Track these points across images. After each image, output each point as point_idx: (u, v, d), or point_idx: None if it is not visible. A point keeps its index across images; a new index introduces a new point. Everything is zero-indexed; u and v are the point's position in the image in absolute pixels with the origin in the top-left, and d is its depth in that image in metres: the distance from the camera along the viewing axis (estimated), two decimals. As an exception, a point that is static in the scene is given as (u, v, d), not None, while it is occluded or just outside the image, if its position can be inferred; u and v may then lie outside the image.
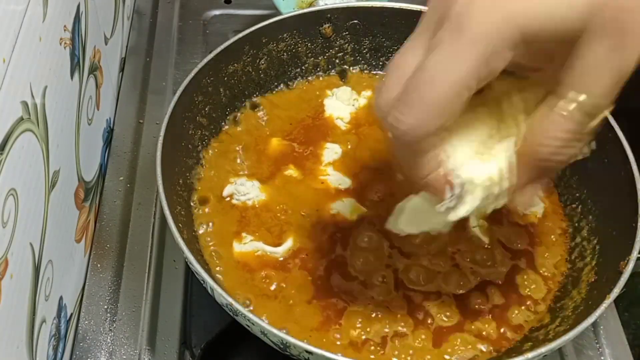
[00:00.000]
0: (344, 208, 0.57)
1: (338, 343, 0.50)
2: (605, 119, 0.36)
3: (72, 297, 0.58)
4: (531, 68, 0.36)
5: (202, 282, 0.47)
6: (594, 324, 0.60)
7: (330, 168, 0.60)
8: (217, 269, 0.53)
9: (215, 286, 0.45)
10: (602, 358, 0.58)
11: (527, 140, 0.37)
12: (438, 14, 0.35)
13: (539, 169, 0.37)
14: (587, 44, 0.33)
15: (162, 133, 0.53)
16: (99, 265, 0.62)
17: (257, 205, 0.57)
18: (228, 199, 0.58)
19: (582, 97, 0.34)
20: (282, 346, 0.45)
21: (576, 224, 0.57)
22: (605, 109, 0.35)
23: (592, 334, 0.59)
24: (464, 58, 0.33)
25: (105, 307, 0.59)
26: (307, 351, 0.43)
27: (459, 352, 0.50)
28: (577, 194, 0.58)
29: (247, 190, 0.58)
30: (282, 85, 0.67)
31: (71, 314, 0.58)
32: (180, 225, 0.50)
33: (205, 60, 0.59)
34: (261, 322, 0.44)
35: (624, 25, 0.33)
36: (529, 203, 0.39)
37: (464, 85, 0.34)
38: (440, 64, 0.34)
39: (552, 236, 0.57)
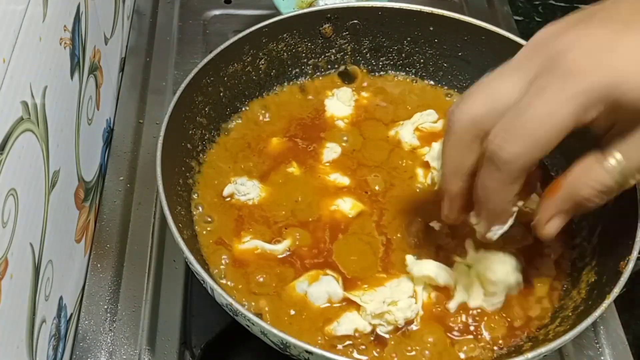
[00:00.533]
0: (344, 205, 0.57)
1: (338, 347, 0.50)
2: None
3: (72, 297, 0.58)
4: (601, 127, 0.42)
5: (202, 282, 0.47)
6: (594, 324, 0.60)
7: (330, 167, 0.61)
8: (217, 268, 0.53)
9: (215, 286, 0.45)
10: (602, 358, 0.58)
11: (568, 181, 0.43)
12: (544, 56, 0.40)
13: (567, 205, 0.44)
14: None
15: (162, 133, 0.53)
16: (99, 265, 0.62)
17: (257, 204, 0.57)
18: (229, 198, 0.58)
19: (624, 161, 0.41)
20: (282, 346, 0.45)
21: (576, 224, 0.57)
22: (634, 178, 0.42)
23: (592, 334, 0.59)
24: (569, 105, 0.39)
25: (105, 307, 0.59)
26: (307, 351, 0.43)
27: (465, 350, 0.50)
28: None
29: (247, 190, 0.58)
30: (282, 85, 0.67)
31: (71, 314, 0.58)
32: (180, 225, 0.50)
33: (206, 60, 0.59)
34: (261, 322, 0.44)
35: None
36: (551, 234, 0.46)
37: (565, 127, 0.39)
38: (548, 106, 0.39)
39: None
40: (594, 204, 0.43)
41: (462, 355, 0.49)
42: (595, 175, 0.42)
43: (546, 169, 0.61)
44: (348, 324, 0.50)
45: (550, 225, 0.45)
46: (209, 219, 0.56)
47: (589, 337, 0.59)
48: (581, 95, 0.38)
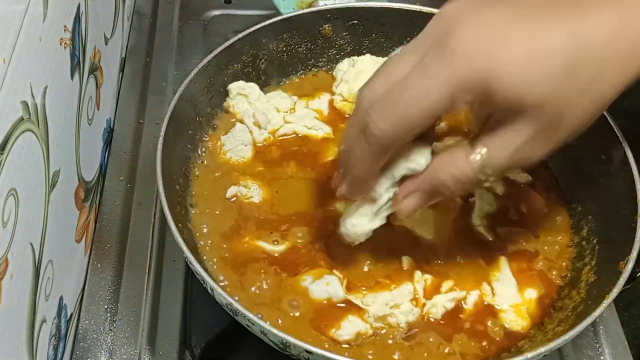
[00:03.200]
0: (343, 206, 0.57)
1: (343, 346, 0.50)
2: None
3: (72, 297, 0.58)
4: (477, 117, 0.43)
5: (202, 282, 0.47)
6: (594, 324, 0.60)
7: (332, 167, 0.61)
8: (217, 268, 0.53)
9: (215, 286, 0.45)
10: (601, 358, 0.58)
11: (433, 165, 0.44)
12: (435, 37, 0.40)
13: (426, 186, 0.45)
14: (523, 121, 0.40)
15: (162, 133, 0.53)
16: (99, 265, 0.62)
17: (257, 204, 0.57)
18: (234, 198, 0.58)
19: (486, 156, 0.42)
20: (282, 346, 0.45)
21: (576, 224, 0.57)
22: (495, 176, 0.43)
23: (591, 334, 0.59)
24: (441, 89, 0.39)
25: (105, 307, 0.59)
26: (307, 351, 0.43)
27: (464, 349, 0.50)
28: (577, 194, 0.58)
29: (248, 190, 0.58)
30: (282, 84, 0.67)
31: (71, 314, 0.58)
32: (180, 225, 0.50)
33: (206, 60, 0.59)
34: (261, 322, 0.44)
35: (558, 126, 0.40)
36: (408, 209, 0.46)
37: (435, 110, 0.40)
38: (420, 88, 0.40)
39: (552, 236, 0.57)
40: (451, 192, 0.44)
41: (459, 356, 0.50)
42: (457, 163, 0.43)
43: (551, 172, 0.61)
44: (350, 328, 0.50)
45: (407, 202, 0.46)
46: (209, 219, 0.56)
47: (588, 337, 0.59)
48: (455, 80, 0.38)
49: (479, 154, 0.42)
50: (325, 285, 0.52)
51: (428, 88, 0.39)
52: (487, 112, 0.41)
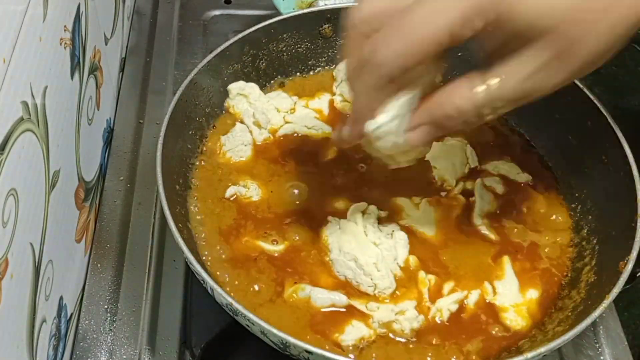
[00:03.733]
0: (342, 205, 0.57)
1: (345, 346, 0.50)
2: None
3: (72, 297, 0.58)
4: (486, 50, 0.41)
5: (202, 282, 0.47)
6: (594, 324, 0.60)
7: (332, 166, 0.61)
8: (217, 268, 0.53)
9: (215, 286, 0.45)
10: (601, 358, 0.58)
11: (437, 94, 0.42)
12: None
13: (431, 119, 0.43)
14: (535, 47, 0.38)
15: (162, 133, 0.53)
16: (99, 265, 0.62)
17: (256, 204, 0.57)
18: (233, 198, 0.58)
19: (495, 83, 0.39)
20: (282, 346, 0.45)
21: (576, 224, 0.57)
22: (502, 108, 0.41)
23: (591, 334, 0.59)
24: (449, 15, 0.38)
25: (106, 307, 0.59)
26: (307, 351, 0.43)
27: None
28: (577, 194, 0.58)
29: (247, 190, 0.58)
30: (282, 84, 0.67)
31: (71, 314, 0.58)
32: (180, 225, 0.50)
33: (206, 60, 0.59)
34: (261, 322, 0.44)
35: (576, 50, 0.38)
36: (416, 141, 0.44)
37: (443, 36, 0.38)
38: (430, 13, 0.38)
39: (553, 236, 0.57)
40: (454, 125, 0.42)
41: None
42: (460, 94, 0.41)
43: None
44: (354, 333, 0.50)
45: (416, 133, 0.44)
46: (209, 219, 0.56)
47: (588, 337, 0.59)
48: (463, 6, 0.37)
49: (488, 84, 0.40)
50: (328, 292, 0.51)
51: (440, 9, 0.38)
52: (496, 42, 0.40)
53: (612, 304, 0.61)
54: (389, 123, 0.44)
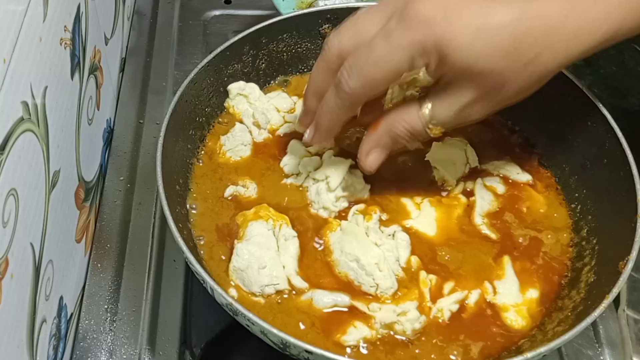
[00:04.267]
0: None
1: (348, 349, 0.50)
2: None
3: (72, 297, 0.58)
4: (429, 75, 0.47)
5: (202, 282, 0.47)
6: (594, 324, 0.60)
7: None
8: (217, 268, 0.53)
9: (215, 286, 0.45)
10: (601, 358, 0.58)
11: (387, 118, 0.50)
12: (400, 3, 0.45)
13: (384, 140, 0.51)
14: (465, 87, 0.46)
15: (162, 134, 0.53)
16: (99, 265, 0.62)
17: (254, 204, 0.57)
18: (230, 197, 0.58)
19: (430, 116, 0.48)
20: (282, 346, 0.45)
21: (576, 224, 0.57)
22: (439, 131, 0.49)
23: (591, 334, 0.59)
24: (402, 52, 0.45)
25: (106, 307, 0.59)
26: (306, 351, 0.43)
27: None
28: (577, 194, 0.58)
29: (246, 190, 0.58)
30: (282, 84, 0.67)
31: (71, 314, 0.58)
32: (180, 225, 0.50)
33: (206, 60, 0.59)
34: (261, 322, 0.44)
35: (497, 93, 0.46)
36: (371, 165, 0.52)
37: (396, 71, 0.46)
38: (384, 50, 0.45)
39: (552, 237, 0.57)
40: (406, 142, 0.50)
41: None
42: (410, 117, 0.49)
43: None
44: (356, 334, 0.49)
45: (371, 158, 0.52)
46: (209, 218, 0.56)
47: (588, 337, 0.59)
48: (414, 44, 0.44)
49: (427, 109, 0.48)
50: (330, 293, 0.51)
51: (391, 51, 0.45)
52: (438, 75, 0.46)
53: (612, 304, 0.61)
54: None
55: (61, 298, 0.55)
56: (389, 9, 0.46)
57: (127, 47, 0.82)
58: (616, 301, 0.61)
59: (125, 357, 0.56)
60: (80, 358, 0.56)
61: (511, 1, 0.44)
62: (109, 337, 0.57)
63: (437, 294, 0.52)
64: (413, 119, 0.49)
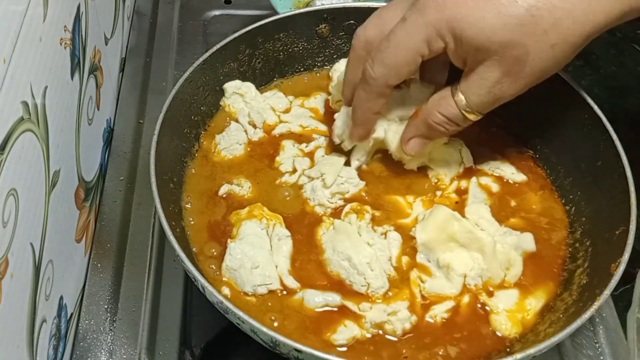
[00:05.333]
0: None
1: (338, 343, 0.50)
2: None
3: (72, 297, 0.58)
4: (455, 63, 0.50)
5: (193, 280, 0.47)
6: (593, 324, 0.60)
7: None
8: (211, 267, 0.53)
9: (206, 284, 0.45)
10: (601, 358, 0.58)
11: (425, 107, 0.52)
12: None
13: (423, 129, 0.53)
14: (489, 65, 0.47)
15: (156, 132, 0.53)
16: (99, 265, 0.62)
17: (249, 202, 0.57)
18: (225, 196, 0.58)
19: (464, 101, 0.49)
20: (271, 344, 0.45)
21: (570, 226, 0.57)
22: (476, 116, 0.50)
23: (591, 334, 0.59)
24: (418, 35, 0.47)
25: (106, 307, 0.59)
26: (296, 349, 0.43)
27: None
28: (571, 196, 0.58)
29: (241, 189, 0.58)
30: (278, 84, 0.67)
31: (71, 314, 0.58)
32: (173, 223, 0.50)
33: (201, 59, 0.59)
34: (251, 320, 0.44)
35: (522, 67, 0.46)
36: (412, 150, 0.54)
37: (416, 54, 0.48)
38: (403, 35, 0.48)
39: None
40: (446, 130, 0.52)
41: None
42: (445, 104, 0.51)
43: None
44: (346, 333, 0.50)
45: (411, 144, 0.54)
46: (203, 216, 0.56)
47: (588, 337, 0.59)
48: (428, 26, 0.47)
49: (460, 94, 0.49)
50: (321, 293, 0.51)
51: (407, 35, 0.48)
52: (462, 56, 0.48)
53: (612, 304, 0.61)
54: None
55: (61, 298, 0.55)
56: (408, 0, 0.49)
57: (127, 47, 0.82)
58: (617, 300, 0.61)
59: (125, 357, 0.56)
60: (80, 358, 0.56)
61: None
62: (109, 337, 0.57)
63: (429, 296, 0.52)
64: (448, 106, 0.50)
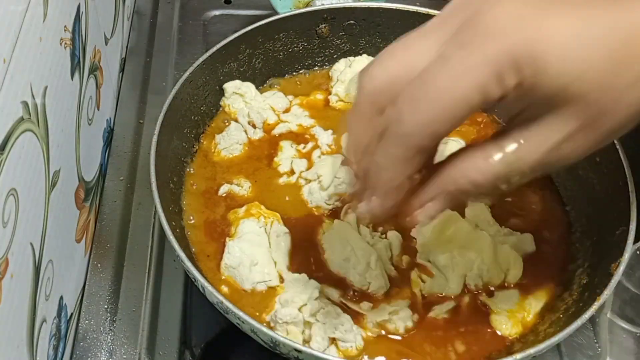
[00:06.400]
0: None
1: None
2: None
3: (72, 297, 0.58)
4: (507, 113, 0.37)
5: (193, 280, 0.47)
6: (594, 324, 0.60)
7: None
8: (211, 266, 0.53)
9: (206, 284, 0.46)
10: (601, 358, 0.58)
11: (448, 167, 0.37)
12: (465, 15, 0.34)
13: (444, 194, 0.38)
14: (566, 113, 0.34)
15: (156, 132, 0.53)
16: (99, 265, 0.62)
17: (250, 202, 0.57)
18: (224, 195, 0.58)
19: (512, 150, 0.35)
20: (271, 344, 0.45)
21: (570, 226, 0.57)
22: (520, 179, 0.36)
23: (591, 334, 0.59)
24: (478, 71, 0.33)
25: (106, 307, 0.59)
26: (296, 349, 0.43)
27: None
28: (571, 196, 0.58)
29: (240, 189, 0.58)
30: (278, 84, 0.67)
31: (71, 314, 0.58)
32: (173, 223, 0.50)
33: (201, 59, 0.59)
34: (251, 320, 0.44)
35: (601, 122, 0.34)
36: (424, 216, 0.39)
37: (474, 97, 0.34)
38: (456, 72, 0.33)
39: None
40: (468, 198, 0.40)
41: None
42: (475, 166, 0.36)
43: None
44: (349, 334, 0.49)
45: (423, 211, 0.39)
46: (202, 216, 0.56)
47: (588, 337, 0.59)
48: (494, 58, 0.33)
49: (505, 151, 0.35)
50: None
51: (463, 72, 0.33)
52: (521, 106, 0.36)
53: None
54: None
55: (61, 298, 0.55)
56: (448, 27, 0.35)
57: (127, 47, 0.82)
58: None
59: (125, 357, 0.56)
60: (80, 358, 0.56)
61: (601, 7, 0.33)
62: (109, 337, 0.57)
63: (429, 295, 0.52)
64: (484, 167, 0.36)
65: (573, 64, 0.33)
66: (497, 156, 0.36)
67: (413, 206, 0.39)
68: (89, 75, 0.63)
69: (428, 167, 0.38)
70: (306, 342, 0.49)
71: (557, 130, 0.35)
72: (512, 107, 0.36)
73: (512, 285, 0.53)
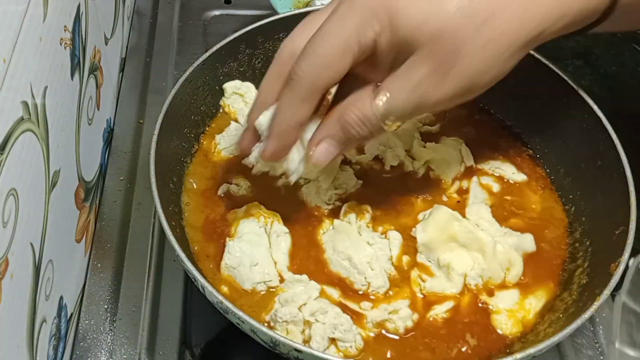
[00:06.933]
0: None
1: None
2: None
3: (72, 297, 0.58)
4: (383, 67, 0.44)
5: (193, 280, 0.47)
6: (594, 324, 0.60)
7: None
8: (211, 266, 0.53)
9: (206, 284, 0.46)
10: (601, 358, 0.58)
11: (338, 106, 0.45)
12: None
13: (335, 129, 0.45)
14: (416, 58, 0.41)
15: (156, 132, 0.53)
16: (99, 265, 0.62)
17: (249, 202, 0.57)
18: (224, 195, 0.58)
19: (385, 100, 0.43)
20: (271, 344, 0.45)
21: (570, 226, 0.57)
22: (397, 121, 0.44)
23: (591, 334, 0.59)
24: (348, 23, 0.42)
25: (106, 307, 0.59)
26: (296, 349, 0.43)
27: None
28: (571, 196, 0.58)
29: (240, 189, 0.58)
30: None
31: (71, 314, 0.58)
32: (173, 223, 0.50)
33: (201, 59, 0.59)
34: (251, 320, 0.44)
35: (451, 65, 0.41)
36: (321, 156, 0.46)
37: (347, 45, 0.42)
38: (331, 26, 0.43)
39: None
40: (360, 135, 0.44)
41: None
42: (362, 104, 0.43)
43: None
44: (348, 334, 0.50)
45: (320, 149, 0.46)
46: (202, 216, 0.56)
47: (588, 337, 0.59)
48: (360, 10, 0.41)
49: (383, 95, 0.43)
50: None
51: (337, 25, 0.42)
52: (394, 47, 0.42)
53: (612, 303, 0.61)
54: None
55: (61, 298, 0.55)
56: (336, 2, 0.44)
57: (127, 47, 0.82)
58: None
59: (125, 357, 0.56)
60: (80, 358, 0.56)
61: None
62: (109, 337, 0.57)
63: (429, 295, 0.52)
64: (366, 106, 0.43)
65: (419, 14, 0.40)
66: (377, 95, 0.43)
67: (310, 144, 0.46)
68: (89, 75, 0.63)
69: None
70: (306, 342, 0.48)
71: (415, 70, 0.41)
72: (386, 60, 0.43)
73: (512, 285, 0.53)
